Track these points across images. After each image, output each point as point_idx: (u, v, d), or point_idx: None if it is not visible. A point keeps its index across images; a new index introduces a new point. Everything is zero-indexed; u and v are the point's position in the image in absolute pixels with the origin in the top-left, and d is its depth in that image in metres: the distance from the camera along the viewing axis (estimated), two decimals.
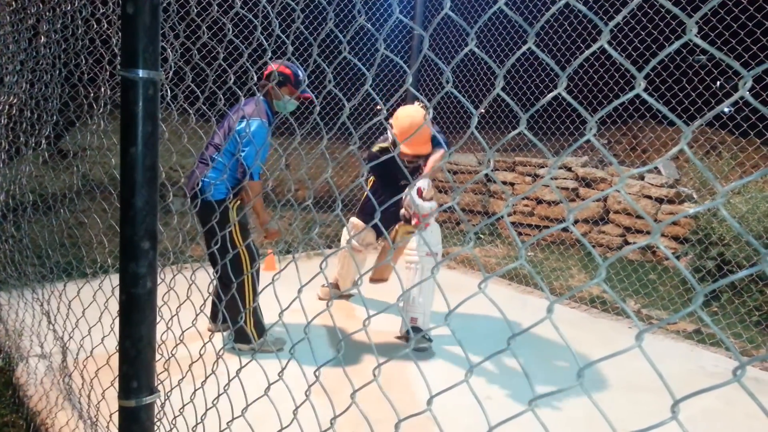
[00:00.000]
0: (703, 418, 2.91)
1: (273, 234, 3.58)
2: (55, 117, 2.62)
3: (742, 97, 0.59)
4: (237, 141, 3.14)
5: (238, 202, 3.27)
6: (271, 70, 3.31)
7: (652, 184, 5.56)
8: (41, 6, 2.63)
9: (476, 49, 0.81)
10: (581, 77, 5.19)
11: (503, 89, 0.80)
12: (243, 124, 3.14)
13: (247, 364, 1.42)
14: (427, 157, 3.69)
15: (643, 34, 4.69)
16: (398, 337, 3.87)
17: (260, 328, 3.44)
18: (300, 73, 3.39)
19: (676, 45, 0.63)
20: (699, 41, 0.61)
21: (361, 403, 1.14)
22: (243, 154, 3.15)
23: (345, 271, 4.36)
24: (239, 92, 1.49)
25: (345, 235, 4.23)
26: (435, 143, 3.80)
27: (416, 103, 3.87)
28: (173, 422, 1.62)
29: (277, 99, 3.36)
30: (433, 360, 3.50)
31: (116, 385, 1.31)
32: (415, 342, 3.73)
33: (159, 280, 1.33)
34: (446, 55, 6.31)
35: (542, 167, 6.38)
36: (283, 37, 1.32)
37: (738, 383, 0.61)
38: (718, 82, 5.29)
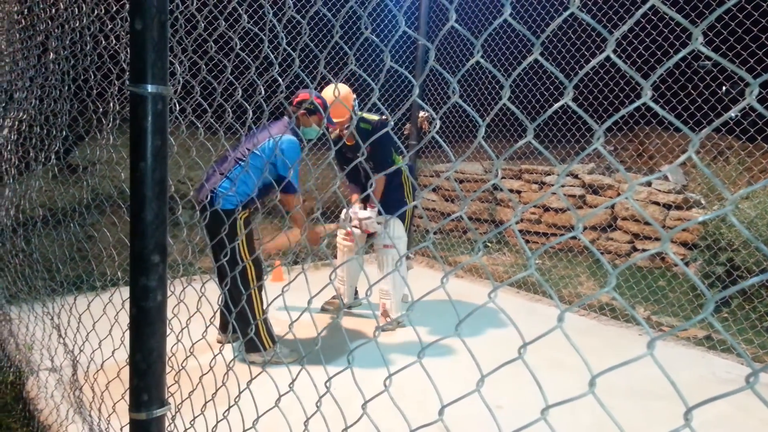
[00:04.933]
0: (716, 425, 2.88)
1: (315, 239, 3.77)
2: (64, 132, 2.65)
3: (748, 103, 0.59)
4: (264, 157, 3.18)
5: (246, 214, 3.29)
6: (304, 98, 3.41)
7: (660, 190, 5.53)
8: (50, 23, 2.66)
9: (482, 61, 0.82)
10: (586, 84, 5.19)
11: (509, 98, 0.81)
12: (272, 142, 3.20)
13: (257, 375, 1.42)
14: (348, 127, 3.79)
15: (648, 40, 4.70)
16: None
17: (272, 336, 3.45)
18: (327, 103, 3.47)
19: (682, 53, 0.63)
20: (705, 50, 0.61)
21: (372, 414, 1.14)
22: (277, 165, 3.22)
23: (341, 277, 4.42)
24: (246, 105, 1.50)
25: (340, 234, 4.42)
26: (385, 154, 3.95)
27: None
28: None
29: (306, 126, 3.47)
30: (443, 369, 3.49)
31: (127, 398, 1.32)
32: (380, 329, 3.84)
33: (168, 293, 1.34)
34: (451, 63, 6.32)
35: (549, 174, 6.36)
36: (289, 49, 1.33)
37: (751, 390, 0.61)
38: (724, 87, 5.29)
